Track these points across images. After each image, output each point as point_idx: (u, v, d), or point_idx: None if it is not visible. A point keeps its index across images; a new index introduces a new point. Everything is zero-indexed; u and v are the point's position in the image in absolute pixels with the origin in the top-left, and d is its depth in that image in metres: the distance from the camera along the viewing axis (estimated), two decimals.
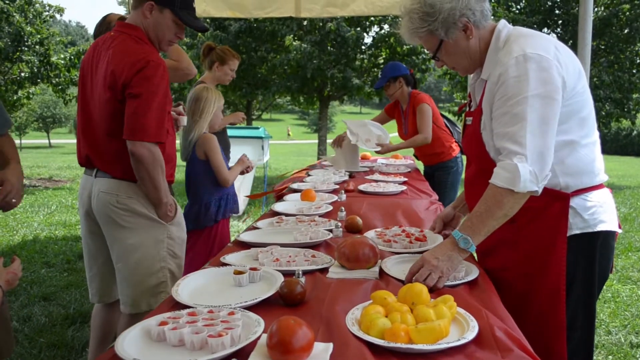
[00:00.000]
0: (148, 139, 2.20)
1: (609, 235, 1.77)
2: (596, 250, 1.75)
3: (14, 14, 11.57)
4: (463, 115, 1.97)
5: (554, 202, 1.69)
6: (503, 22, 1.75)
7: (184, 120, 3.10)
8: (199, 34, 14.56)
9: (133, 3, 2.36)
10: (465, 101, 2.01)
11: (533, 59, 1.57)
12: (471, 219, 1.65)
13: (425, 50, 1.89)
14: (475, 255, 1.95)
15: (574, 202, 1.70)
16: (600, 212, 1.74)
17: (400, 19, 1.79)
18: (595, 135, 1.76)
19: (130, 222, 2.31)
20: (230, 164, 3.50)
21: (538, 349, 1.68)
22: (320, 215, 2.62)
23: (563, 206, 1.68)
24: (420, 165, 4.94)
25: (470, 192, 1.74)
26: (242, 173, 3.46)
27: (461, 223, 1.91)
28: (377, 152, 4.53)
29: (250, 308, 1.39)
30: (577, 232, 1.71)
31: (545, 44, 1.62)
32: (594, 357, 1.86)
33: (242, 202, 7.31)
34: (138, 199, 2.32)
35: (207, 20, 12.56)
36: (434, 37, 1.74)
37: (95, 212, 2.36)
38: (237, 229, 6.80)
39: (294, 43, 12.45)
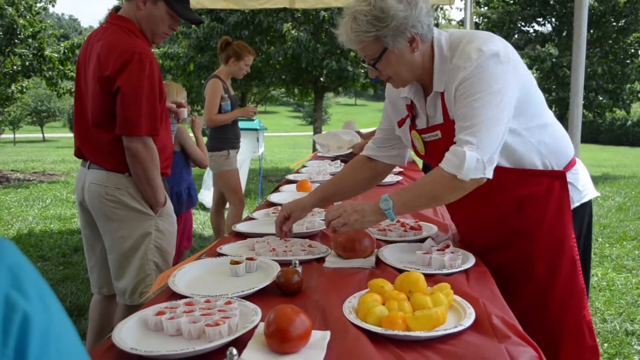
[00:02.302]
0: (139, 133, 2.19)
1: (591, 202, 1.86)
2: (590, 218, 1.84)
3: (6, 7, 11.45)
4: (410, 132, 1.84)
5: (554, 182, 1.71)
6: (437, 31, 1.69)
7: (184, 112, 3.11)
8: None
9: None
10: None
11: (490, 55, 1.56)
12: (405, 188, 1.69)
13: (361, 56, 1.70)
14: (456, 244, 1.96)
15: (569, 177, 1.73)
16: (586, 181, 1.82)
17: (342, 17, 1.65)
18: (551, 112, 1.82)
19: (118, 215, 2.30)
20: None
21: (562, 330, 1.71)
22: None
23: (562, 183, 1.72)
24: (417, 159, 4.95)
25: (450, 205, 1.74)
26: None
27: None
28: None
29: (247, 297, 1.39)
30: (577, 204, 1.76)
31: (494, 39, 1.62)
32: None
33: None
34: (127, 191, 2.31)
35: (203, 11, 12.47)
36: (378, 43, 1.61)
37: (87, 204, 2.36)
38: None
39: (292, 32, 12.35)
